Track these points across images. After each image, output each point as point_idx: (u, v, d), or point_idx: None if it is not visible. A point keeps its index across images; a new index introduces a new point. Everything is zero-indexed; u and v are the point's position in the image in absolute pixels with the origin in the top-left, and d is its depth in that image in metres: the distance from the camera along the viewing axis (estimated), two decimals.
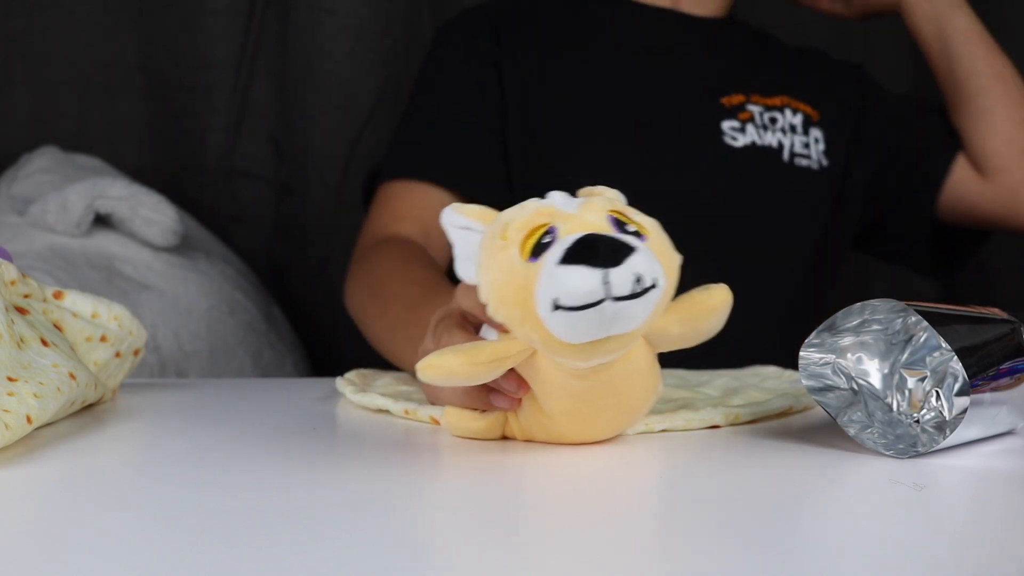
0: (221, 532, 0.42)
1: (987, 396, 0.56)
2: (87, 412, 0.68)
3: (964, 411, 0.54)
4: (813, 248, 1.10)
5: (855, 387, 0.58)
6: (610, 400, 0.56)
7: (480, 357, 0.54)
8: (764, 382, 0.78)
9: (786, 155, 1.07)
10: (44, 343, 0.62)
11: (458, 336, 0.59)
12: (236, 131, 1.48)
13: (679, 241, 0.54)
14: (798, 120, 1.09)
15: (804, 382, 0.59)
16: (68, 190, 1.19)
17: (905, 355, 0.56)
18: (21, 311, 0.63)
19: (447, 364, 0.54)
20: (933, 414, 0.55)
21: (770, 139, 1.07)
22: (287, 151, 1.50)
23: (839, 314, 0.58)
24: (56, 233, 1.19)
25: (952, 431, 0.54)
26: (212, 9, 1.46)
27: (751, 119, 1.07)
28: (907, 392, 0.56)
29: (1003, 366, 0.57)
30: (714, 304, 0.56)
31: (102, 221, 1.22)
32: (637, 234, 0.52)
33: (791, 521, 0.47)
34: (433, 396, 0.66)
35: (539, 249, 0.51)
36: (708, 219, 1.03)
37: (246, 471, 0.54)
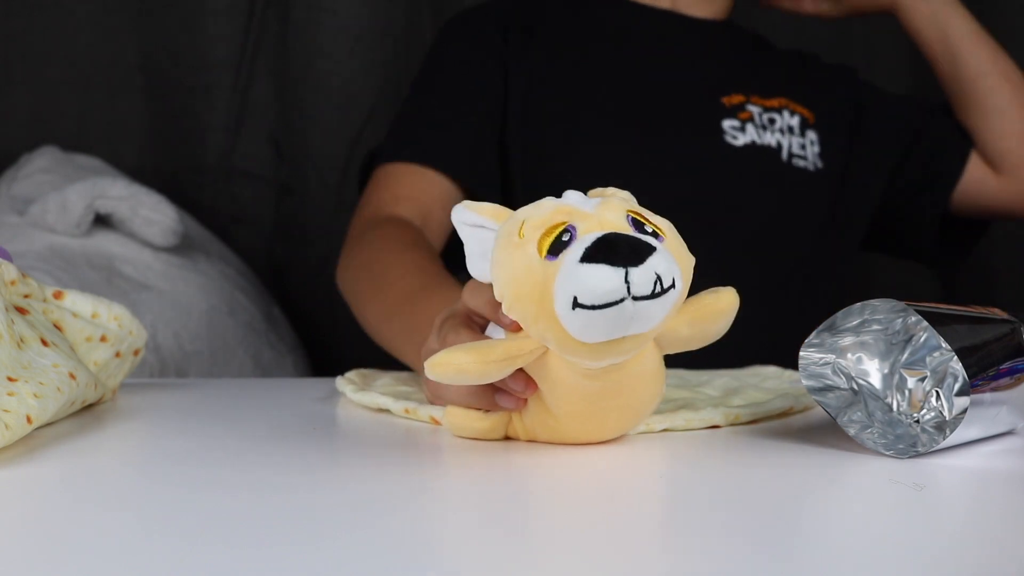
0: (221, 532, 0.42)
1: (987, 396, 0.56)
2: (87, 412, 0.68)
3: (964, 411, 0.54)
4: (811, 248, 1.10)
5: (855, 387, 0.58)
6: (618, 401, 0.57)
7: (491, 355, 0.54)
8: (764, 382, 0.78)
9: (785, 155, 1.08)
10: (44, 343, 0.62)
11: (464, 335, 0.59)
12: (236, 131, 1.48)
13: None
14: (795, 122, 1.10)
15: (804, 382, 0.59)
16: (68, 190, 1.19)
17: (905, 355, 0.56)
18: (21, 311, 0.63)
19: (457, 362, 0.54)
20: (933, 414, 0.55)
21: (769, 139, 1.08)
22: (287, 151, 1.50)
23: (839, 314, 0.58)
24: (56, 233, 1.19)
25: (952, 431, 0.54)
26: (212, 9, 1.46)
27: (751, 119, 1.08)
28: (907, 392, 0.56)
29: (1003, 366, 0.57)
30: (722, 307, 0.56)
31: (102, 221, 1.22)
32: (655, 235, 0.52)
33: (791, 521, 0.47)
34: (436, 395, 0.66)
35: (557, 247, 0.51)
36: (709, 218, 1.04)
37: (246, 471, 0.54)
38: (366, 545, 0.41)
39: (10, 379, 0.56)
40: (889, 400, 0.57)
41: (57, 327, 0.66)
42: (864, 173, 1.14)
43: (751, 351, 0.90)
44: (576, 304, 0.49)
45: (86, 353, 0.68)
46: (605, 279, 0.48)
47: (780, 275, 1.07)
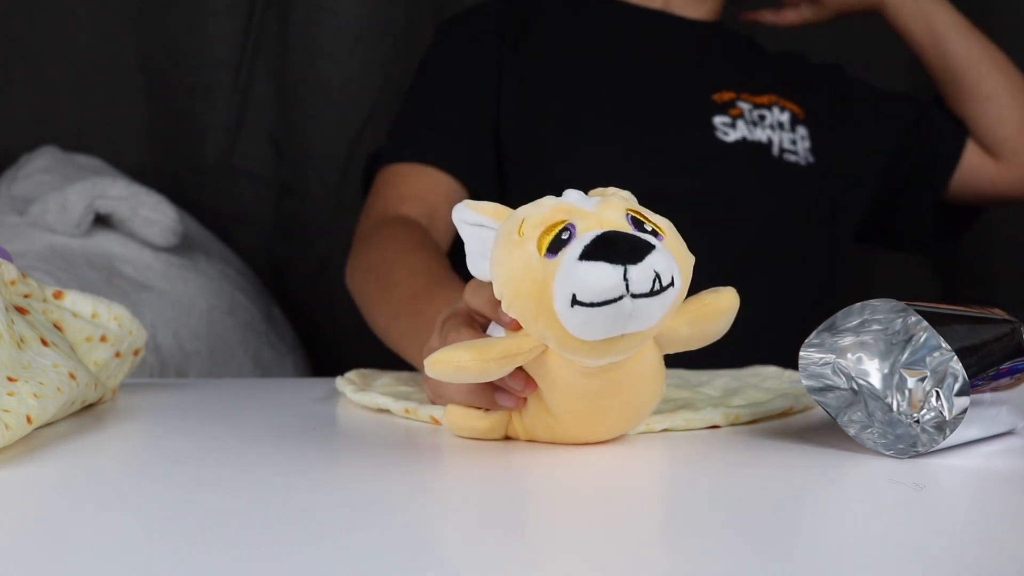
0: (221, 532, 0.42)
1: (987, 396, 0.56)
2: (87, 412, 0.68)
3: (964, 411, 0.54)
4: (803, 242, 1.11)
5: (855, 387, 0.58)
6: (618, 400, 0.57)
7: (491, 353, 0.54)
8: (764, 382, 0.78)
9: (776, 150, 1.09)
10: (44, 343, 0.62)
11: (466, 334, 0.59)
12: (236, 131, 1.48)
13: None
14: (785, 118, 1.11)
15: (804, 382, 0.59)
16: (68, 190, 1.19)
17: (905, 355, 0.56)
18: (21, 311, 0.63)
19: (457, 359, 0.54)
20: (933, 414, 0.55)
21: (760, 135, 1.09)
22: (287, 151, 1.50)
23: (839, 314, 0.58)
24: (56, 233, 1.19)
25: (952, 431, 0.54)
26: (212, 9, 1.46)
27: (741, 115, 1.10)
28: (907, 392, 0.56)
29: (1003, 366, 0.57)
30: (723, 306, 0.57)
31: (102, 221, 1.22)
32: (654, 233, 0.52)
33: (791, 521, 0.47)
34: (436, 394, 0.66)
35: (557, 245, 0.51)
36: (702, 214, 1.04)
37: (246, 471, 0.54)
38: (366, 545, 0.41)
39: (10, 379, 0.56)
40: (889, 400, 0.57)
41: (57, 327, 0.66)
42: (858, 168, 1.15)
43: (745, 345, 0.90)
44: (575, 301, 0.49)
45: (86, 353, 0.68)
46: (604, 276, 0.49)
47: (773, 269, 1.08)
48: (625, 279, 0.48)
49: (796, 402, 0.69)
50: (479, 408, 0.60)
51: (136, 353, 0.73)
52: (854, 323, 0.58)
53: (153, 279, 1.20)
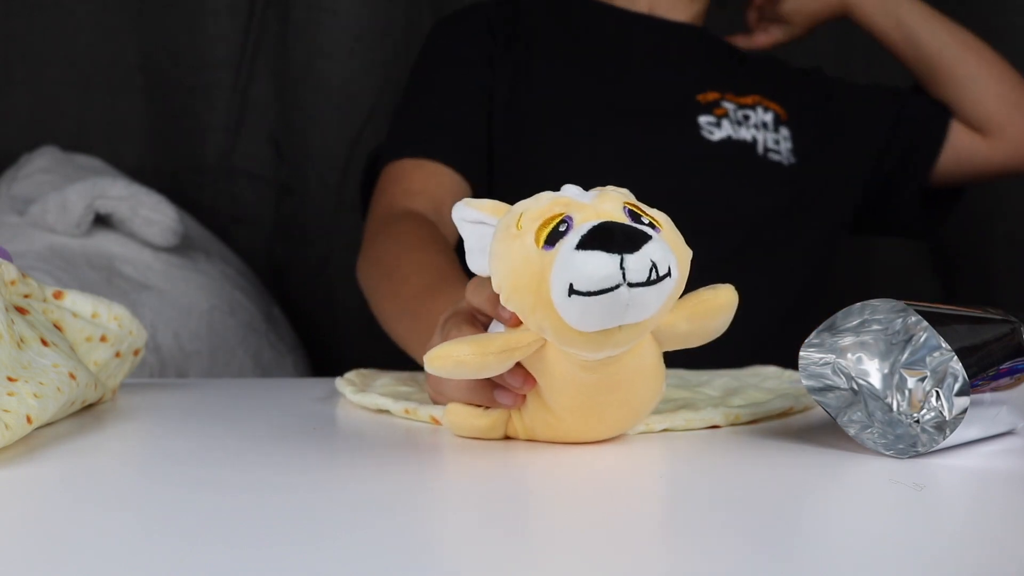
0: (221, 532, 0.42)
1: (987, 396, 0.56)
2: (87, 412, 0.68)
3: (964, 411, 0.54)
4: (793, 241, 1.12)
5: (855, 387, 0.58)
6: (617, 396, 0.57)
7: (490, 347, 0.54)
8: (764, 382, 0.78)
9: (760, 149, 1.11)
10: (44, 343, 0.62)
11: (467, 331, 0.60)
12: (236, 131, 1.48)
13: None
14: (769, 118, 1.13)
15: (804, 382, 0.59)
16: (68, 190, 1.19)
17: (905, 355, 0.56)
18: (21, 311, 0.63)
19: (456, 354, 0.54)
20: (933, 414, 0.55)
21: (745, 134, 1.11)
22: (287, 151, 1.50)
23: (839, 314, 0.58)
24: (56, 233, 1.19)
25: (952, 431, 0.54)
26: (212, 9, 1.46)
27: (726, 115, 1.11)
28: (907, 392, 0.56)
29: (1003, 366, 0.57)
30: (721, 303, 0.57)
31: (102, 221, 1.22)
32: (652, 226, 0.52)
33: (791, 521, 0.47)
34: (436, 392, 0.66)
35: (554, 237, 0.51)
36: (689, 212, 1.04)
37: (246, 471, 0.54)
38: (366, 545, 0.41)
39: (10, 379, 0.56)
40: (889, 400, 0.57)
41: (57, 327, 0.66)
42: (843, 167, 1.18)
43: (734, 342, 0.90)
44: (572, 291, 0.49)
45: (86, 353, 0.68)
46: (601, 265, 0.49)
47: (760, 267, 1.09)
48: (621, 268, 0.49)
49: (796, 402, 0.69)
50: (479, 406, 0.60)
51: (136, 353, 0.73)
52: (854, 323, 0.58)
53: (153, 279, 1.20)
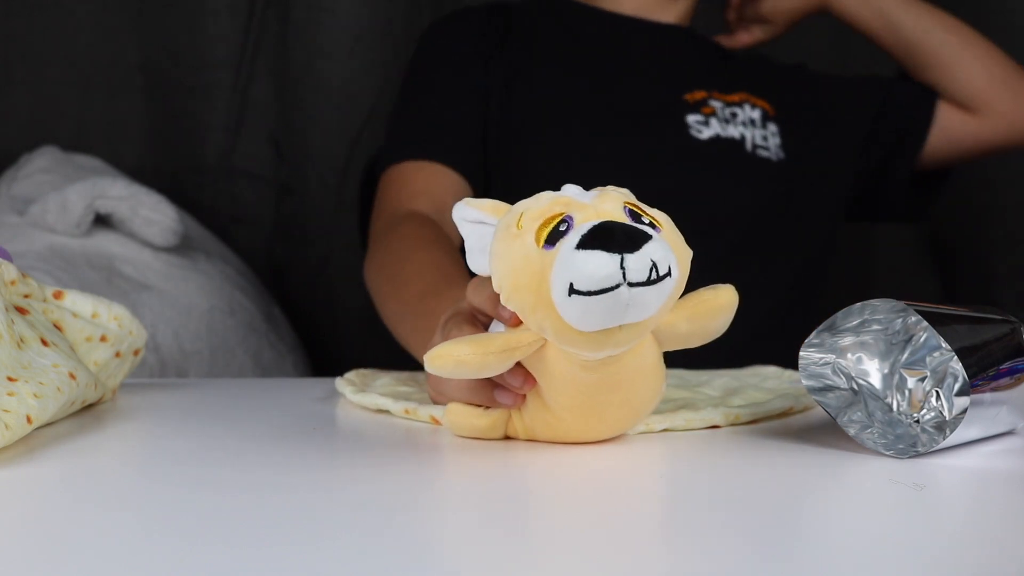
0: (221, 532, 0.42)
1: (987, 396, 0.56)
2: (87, 412, 0.68)
3: (964, 411, 0.54)
4: (786, 237, 1.13)
5: (855, 387, 0.58)
6: (617, 395, 0.57)
7: (490, 347, 0.54)
8: (764, 382, 0.78)
9: (749, 146, 1.12)
10: (44, 343, 0.62)
11: (467, 331, 0.60)
12: (236, 131, 1.48)
13: None
14: (757, 115, 1.14)
15: (804, 382, 0.59)
16: (68, 190, 1.19)
17: (905, 355, 0.56)
18: (21, 311, 0.63)
19: (456, 354, 0.54)
20: (933, 414, 0.55)
21: (733, 131, 1.12)
22: (287, 151, 1.50)
23: (839, 314, 0.58)
24: (56, 233, 1.19)
25: (952, 431, 0.54)
26: (212, 9, 1.46)
27: (714, 113, 1.12)
28: (907, 392, 0.56)
29: (1003, 366, 0.57)
30: (722, 302, 0.57)
31: (102, 221, 1.22)
32: (652, 226, 0.52)
33: (791, 521, 0.47)
34: (436, 391, 0.66)
35: (555, 237, 0.51)
36: (680, 211, 1.05)
37: (246, 471, 0.54)
38: (366, 545, 0.41)
39: (10, 379, 0.56)
40: (889, 400, 0.57)
41: (57, 327, 0.66)
42: (832, 160, 1.18)
43: (728, 337, 0.90)
44: (572, 291, 0.49)
45: (86, 353, 0.68)
46: (601, 265, 0.49)
47: (753, 264, 1.10)
48: (622, 267, 0.49)
49: (796, 402, 0.69)
50: (479, 406, 0.60)
51: (136, 353, 0.73)
52: (854, 323, 0.58)
53: (153, 279, 1.20)
